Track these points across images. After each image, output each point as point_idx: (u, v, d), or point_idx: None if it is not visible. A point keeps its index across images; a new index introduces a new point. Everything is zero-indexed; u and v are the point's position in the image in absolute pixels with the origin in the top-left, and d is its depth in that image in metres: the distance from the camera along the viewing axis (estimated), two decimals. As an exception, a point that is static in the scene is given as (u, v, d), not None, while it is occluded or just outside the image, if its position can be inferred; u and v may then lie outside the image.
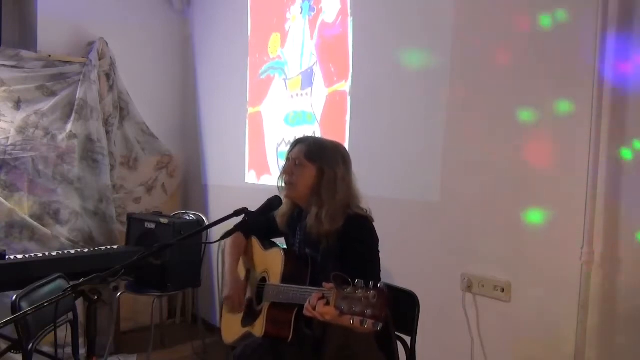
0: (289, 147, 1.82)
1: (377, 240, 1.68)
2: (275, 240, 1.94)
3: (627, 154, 1.66)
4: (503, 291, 1.99)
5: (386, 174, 2.43)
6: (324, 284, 1.33)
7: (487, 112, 2.07)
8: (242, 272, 1.92)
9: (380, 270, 1.68)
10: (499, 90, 2.02)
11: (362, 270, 1.53)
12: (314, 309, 1.32)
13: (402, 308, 1.78)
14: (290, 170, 1.74)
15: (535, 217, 1.91)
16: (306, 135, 1.86)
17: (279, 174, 1.83)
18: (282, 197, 1.78)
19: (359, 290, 1.22)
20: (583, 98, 1.74)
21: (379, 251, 1.68)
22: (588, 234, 1.72)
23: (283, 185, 1.77)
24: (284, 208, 1.82)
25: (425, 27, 2.32)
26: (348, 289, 1.24)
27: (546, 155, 1.88)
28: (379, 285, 1.20)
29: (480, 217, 2.08)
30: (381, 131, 2.49)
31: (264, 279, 1.79)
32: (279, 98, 3.18)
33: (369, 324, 1.18)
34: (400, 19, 2.43)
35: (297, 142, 1.79)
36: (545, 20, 1.87)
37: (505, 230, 1.99)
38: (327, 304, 1.29)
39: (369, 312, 1.19)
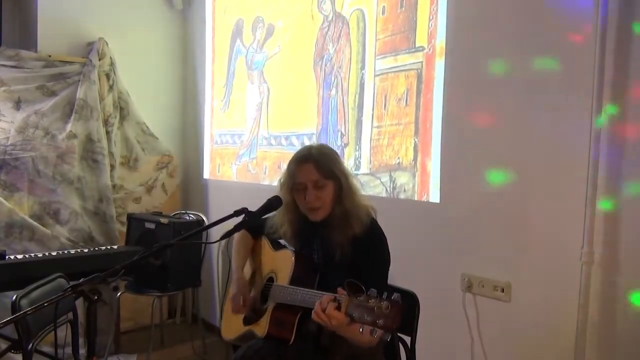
0: (291, 167, 1.72)
1: (390, 257, 1.68)
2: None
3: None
4: (503, 291, 1.99)
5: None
6: (338, 289, 1.32)
7: (486, 111, 2.07)
8: (248, 272, 1.92)
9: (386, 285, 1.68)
10: (498, 89, 2.02)
11: (371, 282, 1.52)
12: (324, 311, 1.31)
13: (402, 308, 1.77)
14: (314, 196, 1.66)
15: (535, 217, 1.91)
16: (304, 152, 1.77)
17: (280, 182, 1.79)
18: (309, 218, 1.72)
19: (372, 300, 1.21)
20: (584, 96, 1.74)
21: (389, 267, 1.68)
22: (588, 234, 1.72)
23: (309, 210, 1.68)
24: (285, 226, 1.77)
25: (420, 24, 2.32)
26: (361, 297, 1.23)
27: (546, 155, 1.87)
28: (392, 296, 1.20)
29: (480, 217, 2.08)
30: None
31: (270, 279, 1.79)
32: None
33: (378, 333, 1.17)
34: (393, 16, 2.43)
35: (303, 162, 1.69)
36: None
37: (505, 230, 1.99)
38: (338, 309, 1.28)
39: (380, 322, 1.18)
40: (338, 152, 2.05)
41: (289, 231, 1.79)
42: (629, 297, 1.67)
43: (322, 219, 1.69)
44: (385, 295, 1.21)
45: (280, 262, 1.76)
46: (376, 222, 1.69)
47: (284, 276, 1.70)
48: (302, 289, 1.57)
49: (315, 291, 1.53)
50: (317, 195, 1.66)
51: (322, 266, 1.73)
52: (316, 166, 1.67)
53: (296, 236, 1.80)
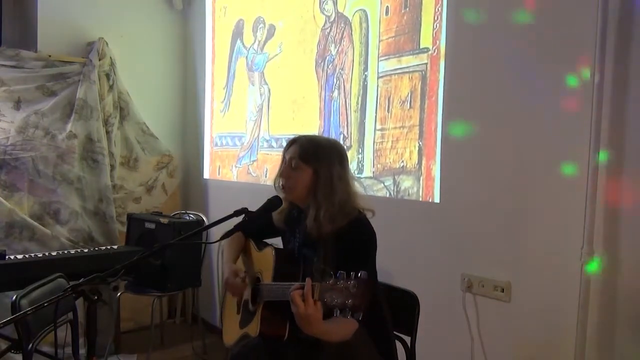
0: (285, 146, 1.79)
1: (376, 247, 1.66)
2: (271, 240, 1.94)
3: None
4: (503, 291, 1.99)
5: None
6: (307, 279, 1.32)
7: (486, 112, 2.07)
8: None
9: (375, 276, 1.67)
10: (498, 89, 2.03)
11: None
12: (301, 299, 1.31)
13: (402, 308, 1.78)
14: (286, 174, 1.70)
15: (535, 216, 1.91)
16: (301, 134, 1.82)
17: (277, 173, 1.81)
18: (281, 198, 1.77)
19: (341, 282, 1.22)
20: (583, 97, 1.74)
21: (375, 258, 1.66)
22: (588, 234, 1.72)
23: (280, 187, 1.74)
24: (282, 204, 1.79)
25: (425, 25, 2.32)
26: (330, 281, 1.24)
27: (546, 155, 1.88)
28: (359, 274, 1.21)
29: (480, 217, 2.08)
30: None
31: (258, 280, 1.79)
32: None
33: (350, 314, 1.19)
34: (397, 17, 2.43)
35: (292, 142, 1.75)
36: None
37: (505, 230, 1.99)
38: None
39: (349, 302, 1.19)
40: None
41: (281, 215, 1.81)
42: (629, 297, 1.67)
43: (291, 201, 1.74)
44: (353, 274, 1.22)
45: (264, 261, 1.76)
46: (364, 219, 1.66)
47: (268, 274, 1.71)
48: (282, 283, 1.57)
49: (292, 283, 1.51)
50: (289, 174, 1.69)
51: (298, 252, 1.74)
52: (299, 148, 1.69)
53: (285, 221, 1.82)
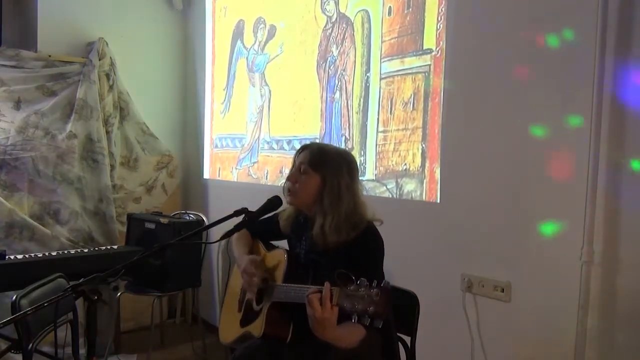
0: (295, 152, 1.80)
1: (384, 255, 1.67)
2: (277, 242, 1.94)
3: (636, 165, 1.66)
4: (503, 291, 1.99)
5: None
6: (325, 283, 1.33)
7: (486, 113, 2.07)
8: None
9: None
10: (499, 94, 2.03)
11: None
12: (319, 303, 1.31)
13: (402, 308, 1.78)
14: (294, 178, 1.71)
15: (535, 217, 1.91)
16: (313, 141, 1.83)
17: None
18: (286, 203, 1.77)
19: (362, 289, 1.23)
20: (583, 107, 1.75)
21: (383, 265, 1.67)
22: (588, 234, 1.72)
23: (287, 190, 1.74)
24: (289, 211, 1.81)
25: (428, 26, 2.32)
26: (352, 287, 1.25)
27: (546, 157, 1.88)
28: (382, 283, 1.22)
29: (480, 218, 2.08)
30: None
31: (265, 280, 1.79)
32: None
33: (369, 322, 1.19)
34: (400, 17, 2.43)
35: (304, 148, 1.76)
36: (552, 40, 1.87)
37: (505, 230, 1.99)
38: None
39: (371, 309, 1.20)
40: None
41: (287, 221, 1.82)
42: (629, 297, 1.67)
43: (296, 206, 1.75)
44: (375, 283, 1.23)
45: (274, 262, 1.76)
46: (373, 228, 1.66)
47: (278, 275, 1.70)
48: (294, 285, 1.58)
49: (307, 286, 1.52)
50: (297, 178, 1.70)
51: (304, 259, 1.74)
52: (309, 154, 1.71)
53: (292, 227, 1.82)
